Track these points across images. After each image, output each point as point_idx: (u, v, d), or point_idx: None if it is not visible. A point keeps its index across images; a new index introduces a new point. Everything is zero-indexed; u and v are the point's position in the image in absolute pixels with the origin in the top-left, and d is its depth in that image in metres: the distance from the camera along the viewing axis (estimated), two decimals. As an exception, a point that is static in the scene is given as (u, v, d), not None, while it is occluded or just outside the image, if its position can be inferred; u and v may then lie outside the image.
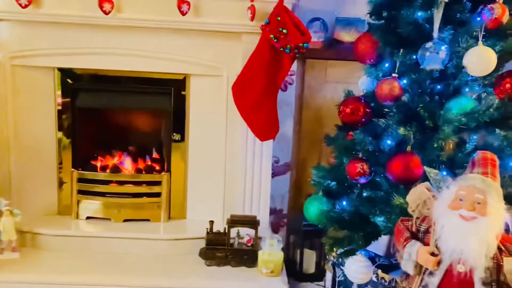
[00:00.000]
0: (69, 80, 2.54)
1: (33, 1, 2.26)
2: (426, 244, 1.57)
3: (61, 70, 2.52)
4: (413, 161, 1.80)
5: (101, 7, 2.25)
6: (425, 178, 1.72)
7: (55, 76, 2.53)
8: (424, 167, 1.69)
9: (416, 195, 1.64)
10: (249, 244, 2.39)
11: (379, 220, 1.89)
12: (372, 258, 2.06)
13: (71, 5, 2.30)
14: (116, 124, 2.83)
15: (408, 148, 1.83)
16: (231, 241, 2.38)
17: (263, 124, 2.42)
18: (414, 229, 1.63)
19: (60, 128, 2.58)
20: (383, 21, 1.98)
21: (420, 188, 1.64)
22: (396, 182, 1.85)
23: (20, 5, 2.24)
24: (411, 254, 1.56)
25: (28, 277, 2.20)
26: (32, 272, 2.23)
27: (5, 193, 2.49)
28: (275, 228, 2.84)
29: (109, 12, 2.26)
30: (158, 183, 2.60)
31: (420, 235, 1.62)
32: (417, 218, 1.64)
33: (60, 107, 2.56)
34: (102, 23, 2.34)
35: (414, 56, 1.87)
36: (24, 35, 2.41)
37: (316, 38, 2.69)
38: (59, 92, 2.54)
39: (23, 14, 2.30)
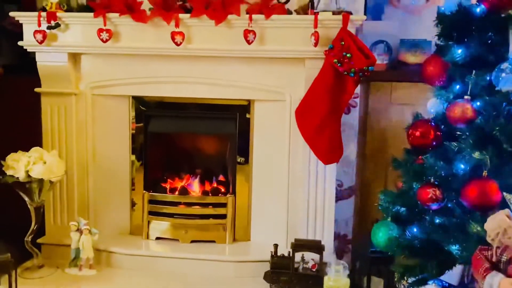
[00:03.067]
0: (142, 107, 2.71)
1: (112, 36, 2.46)
2: (509, 275, 1.48)
3: (135, 97, 2.70)
4: (490, 186, 1.71)
5: (173, 39, 2.40)
6: (503, 205, 1.63)
7: (130, 103, 2.71)
8: (504, 193, 1.60)
9: (495, 223, 1.55)
10: (314, 269, 2.36)
11: (454, 248, 1.80)
12: (446, 288, 1.96)
13: (145, 38, 2.47)
14: (184, 148, 2.96)
15: (484, 173, 1.74)
16: (296, 265, 2.38)
17: (326, 147, 2.42)
18: (494, 259, 1.54)
19: (133, 152, 2.75)
20: (453, 42, 1.94)
21: (499, 215, 1.56)
22: (471, 209, 1.76)
23: (102, 40, 2.45)
24: (493, 286, 1.47)
25: (104, 294, 2.33)
26: (107, 288, 2.36)
27: (83, 213, 2.67)
28: (339, 254, 2.78)
29: (181, 43, 2.40)
30: (224, 205, 2.67)
31: (501, 266, 1.52)
32: (497, 247, 1.55)
33: (133, 131, 2.73)
34: (173, 54, 2.49)
35: (488, 78, 1.80)
36: (103, 67, 2.62)
37: (380, 60, 2.68)
38: (133, 119, 2.72)
39: (103, 48, 2.51)
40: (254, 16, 2.35)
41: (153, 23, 2.43)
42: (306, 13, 2.43)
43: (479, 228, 1.69)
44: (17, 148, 2.43)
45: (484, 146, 1.75)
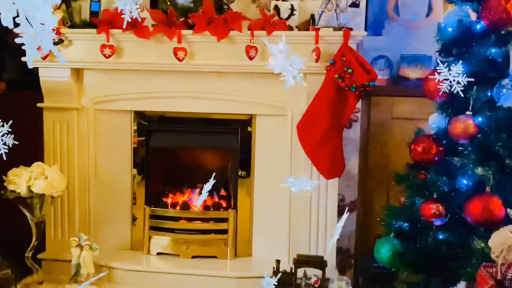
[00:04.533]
0: (143, 122, 2.72)
1: (115, 52, 2.48)
2: (514, 293, 1.47)
3: (137, 112, 2.70)
4: (493, 202, 1.72)
5: (175, 54, 2.42)
6: (507, 221, 1.62)
7: (132, 118, 2.71)
8: (507, 209, 1.60)
9: (499, 240, 1.55)
10: (317, 286, 2.34)
11: (458, 264, 1.79)
12: (450, 305, 1.94)
13: (148, 54, 2.49)
14: (186, 162, 2.96)
15: (487, 188, 1.74)
16: (298, 281, 2.35)
17: (328, 162, 2.42)
18: (499, 276, 1.53)
19: (134, 166, 2.74)
20: (453, 58, 1.95)
21: (504, 232, 1.55)
22: (475, 225, 1.76)
23: (104, 55, 2.47)
24: (498, 304, 1.46)
25: (104, 311, 2.31)
26: (107, 305, 2.34)
27: (84, 228, 2.65)
28: (342, 269, 2.76)
29: (183, 59, 2.42)
30: (225, 220, 2.66)
31: (507, 283, 1.51)
32: (502, 264, 1.54)
33: (135, 145, 2.73)
34: (175, 69, 2.50)
35: (489, 93, 1.82)
36: (106, 82, 2.62)
37: (381, 75, 2.69)
38: (134, 133, 2.72)
39: (106, 64, 2.52)
40: (256, 32, 2.37)
41: (155, 39, 2.44)
42: (307, 29, 2.45)
43: (483, 245, 1.68)
44: (19, 163, 2.42)
45: (486, 161, 1.76)
